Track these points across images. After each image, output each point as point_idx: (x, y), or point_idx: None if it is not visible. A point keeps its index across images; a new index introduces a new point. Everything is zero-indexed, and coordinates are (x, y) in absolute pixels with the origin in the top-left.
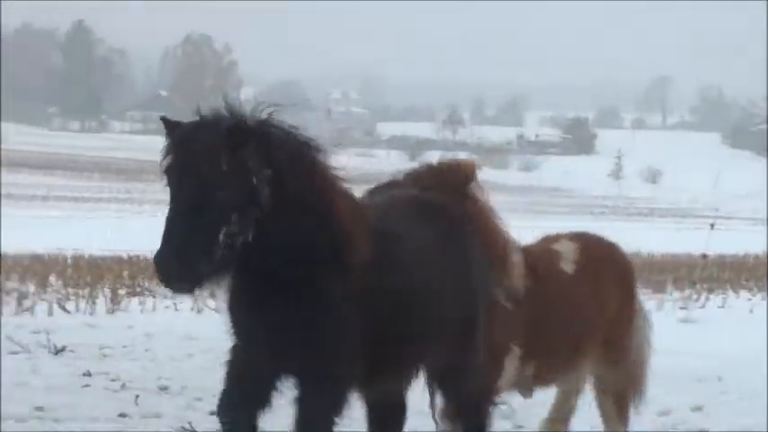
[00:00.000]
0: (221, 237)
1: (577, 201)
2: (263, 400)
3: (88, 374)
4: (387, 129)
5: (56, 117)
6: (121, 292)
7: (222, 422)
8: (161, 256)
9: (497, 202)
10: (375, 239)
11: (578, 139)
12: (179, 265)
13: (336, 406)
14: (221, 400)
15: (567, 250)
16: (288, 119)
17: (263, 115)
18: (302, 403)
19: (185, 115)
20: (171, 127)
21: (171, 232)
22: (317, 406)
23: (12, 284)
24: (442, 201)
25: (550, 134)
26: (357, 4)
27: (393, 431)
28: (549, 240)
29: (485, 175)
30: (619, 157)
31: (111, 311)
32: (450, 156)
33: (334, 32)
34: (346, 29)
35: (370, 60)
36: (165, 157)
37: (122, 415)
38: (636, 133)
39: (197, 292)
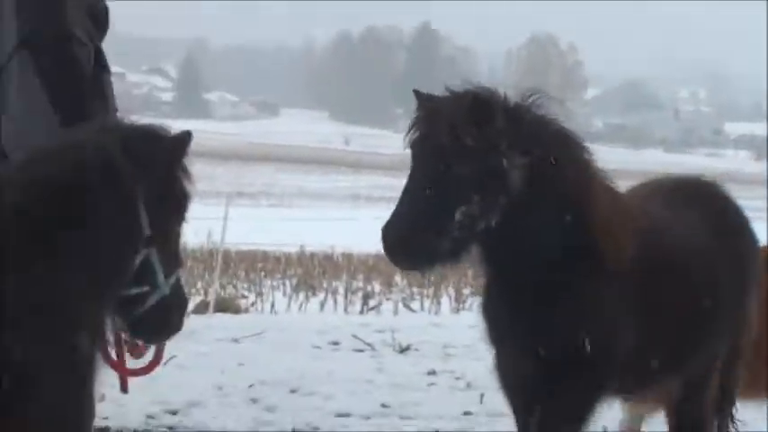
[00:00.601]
0: (458, 215)
1: None
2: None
3: (433, 373)
4: (735, 128)
5: (401, 119)
6: (465, 291)
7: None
8: (387, 228)
9: None
10: (641, 237)
11: None
12: (405, 239)
13: (585, 414)
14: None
15: None
16: (634, 118)
17: (527, 101)
18: (551, 402)
19: None
20: (422, 100)
21: (403, 205)
22: (567, 406)
23: (358, 284)
24: (718, 188)
25: None
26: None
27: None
28: None
29: None
30: None
31: (455, 310)
32: None
33: (682, 31)
34: (695, 27)
35: (719, 58)
36: (409, 131)
37: (467, 413)
38: None
39: (426, 269)
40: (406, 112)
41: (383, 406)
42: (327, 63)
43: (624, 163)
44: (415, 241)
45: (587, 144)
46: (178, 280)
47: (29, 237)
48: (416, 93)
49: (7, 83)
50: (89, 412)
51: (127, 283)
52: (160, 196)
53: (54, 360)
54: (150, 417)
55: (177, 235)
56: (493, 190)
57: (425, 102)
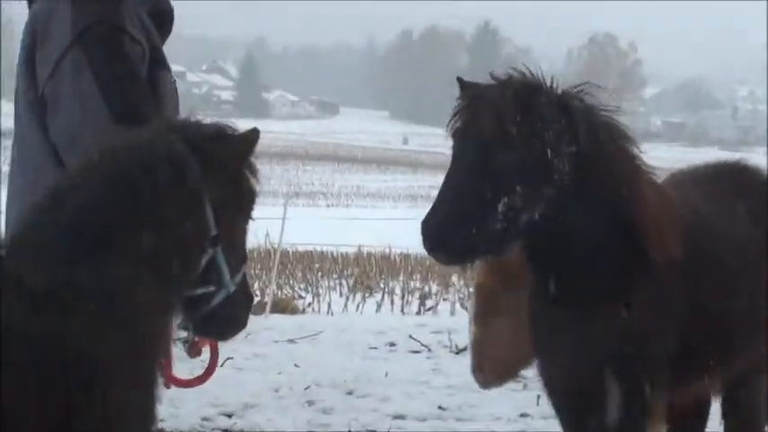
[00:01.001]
0: (500, 207)
1: None
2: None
3: None
4: None
5: None
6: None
7: None
8: (426, 221)
9: None
10: (687, 232)
11: None
12: (444, 233)
13: (645, 408)
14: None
15: None
16: (693, 117)
17: (573, 90)
18: (609, 403)
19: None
20: (465, 88)
21: (443, 197)
22: (629, 406)
23: (415, 284)
24: (758, 168)
25: None
26: None
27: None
28: None
29: None
30: None
31: None
32: None
33: (739, 30)
34: (752, 26)
35: None
36: (451, 120)
37: (524, 415)
38: None
39: (465, 264)
40: None
41: (440, 408)
42: (388, 63)
43: (683, 161)
44: (454, 235)
45: (634, 137)
46: (244, 276)
47: (97, 233)
48: (459, 80)
49: (60, 80)
50: (153, 414)
51: (193, 280)
52: (227, 195)
53: (121, 360)
54: (205, 419)
55: (243, 232)
56: (537, 181)
57: (468, 89)
